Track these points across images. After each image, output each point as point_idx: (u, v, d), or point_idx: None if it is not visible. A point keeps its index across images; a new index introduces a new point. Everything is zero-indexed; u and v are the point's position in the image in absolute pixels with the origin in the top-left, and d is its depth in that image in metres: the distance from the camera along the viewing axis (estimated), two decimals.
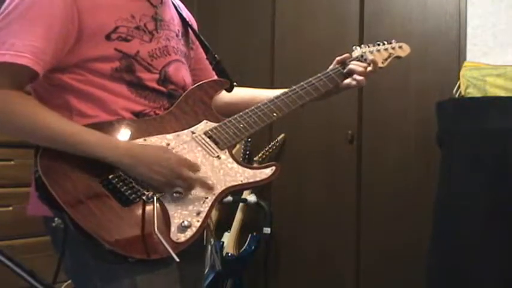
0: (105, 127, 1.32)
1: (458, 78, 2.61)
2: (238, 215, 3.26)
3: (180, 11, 1.61)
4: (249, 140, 3.27)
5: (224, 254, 3.19)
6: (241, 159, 3.27)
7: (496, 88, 2.48)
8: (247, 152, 3.29)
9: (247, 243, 3.26)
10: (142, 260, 1.23)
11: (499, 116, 2.33)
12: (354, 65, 1.68)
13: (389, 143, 3.02)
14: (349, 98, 3.00)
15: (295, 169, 3.26)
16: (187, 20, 1.63)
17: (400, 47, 1.89)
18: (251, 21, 3.51)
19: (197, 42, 1.65)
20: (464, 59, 2.76)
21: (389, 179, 2.99)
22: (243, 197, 3.23)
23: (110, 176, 1.27)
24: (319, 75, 1.67)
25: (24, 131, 1.28)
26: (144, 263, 1.24)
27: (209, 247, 1.60)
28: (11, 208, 2.66)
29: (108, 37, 1.35)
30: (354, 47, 1.78)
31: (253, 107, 1.53)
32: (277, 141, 3.27)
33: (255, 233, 3.28)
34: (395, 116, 2.99)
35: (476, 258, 2.29)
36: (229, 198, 3.20)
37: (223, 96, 1.65)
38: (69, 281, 1.55)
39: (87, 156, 1.26)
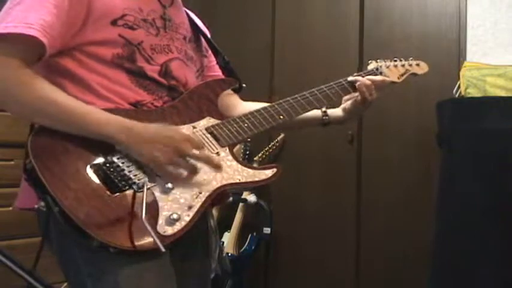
0: None
1: (458, 78, 2.61)
2: (238, 215, 3.26)
3: (193, 19, 1.61)
4: (249, 140, 3.27)
5: (224, 254, 3.18)
6: (241, 159, 3.26)
7: (496, 88, 2.48)
8: (247, 152, 3.29)
9: (247, 243, 3.27)
10: (133, 252, 1.19)
11: (499, 116, 2.33)
12: (362, 78, 1.64)
13: (389, 143, 3.02)
14: None
15: (295, 169, 3.26)
16: (203, 30, 1.63)
17: (417, 65, 1.87)
18: (251, 24, 3.51)
19: (210, 51, 1.64)
20: (464, 59, 2.76)
21: (389, 179, 2.99)
22: (243, 197, 3.23)
23: (101, 162, 1.25)
24: (331, 83, 1.64)
25: (33, 105, 1.24)
26: (134, 256, 1.20)
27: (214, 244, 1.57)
28: (11, 208, 2.66)
29: (114, 22, 1.34)
30: (369, 61, 1.76)
31: (260, 108, 1.51)
32: (277, 141, 3.27)
33: (255, 233, 3.29)
34: (395, 116, 2.99)
35: (477, 258, 2.28)
36: (229, 198, 3.20)
37: (236, 107, 1.64)
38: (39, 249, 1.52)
39: (92, 136, 1.24)
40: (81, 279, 1.26)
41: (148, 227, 1.17)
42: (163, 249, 1.17)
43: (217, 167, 1.33)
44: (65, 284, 2.45)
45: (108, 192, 1.22)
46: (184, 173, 1.29)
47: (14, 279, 2.00)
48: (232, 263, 3.19)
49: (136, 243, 1.19)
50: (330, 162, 3.17)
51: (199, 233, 1.48)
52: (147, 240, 1.19)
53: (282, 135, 3.29)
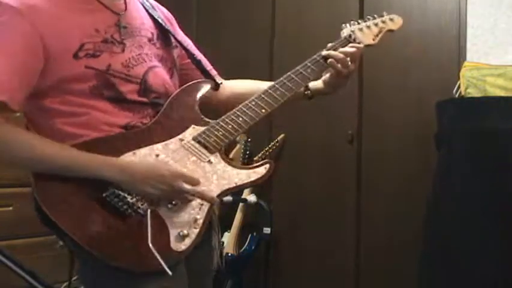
0: (94, 144, 1.33)
1: (458, 78, 2.61)
2: (238, 215, 3.26)
3: (153, 13, 1.57)
4: (249, 140, 3.27)
5: (224, 254, 3.18)
6: (241, 159, 3.27)
7: (496, 88, 2.48)
8: (247, 152, 3.29)
9: (247, 243, 3.26)
10: (152, 273, 1.25)
11: (499, 116, 2.33)
12: (334, 53, 1.59)
13: (389, 143, 3.01)
14: (349, 98, 3.00)
15: (295, 169, 3.26)
16: (163, 20, 1.59)
17: (391, 20, 1.83)
18: (251, 17, 3.50)
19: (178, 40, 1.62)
20: (464, 59, 2.76)
21: (389, 179, 2.99)
22: (243, 197, 3.23)
23: (104, 194, 1.28)
24: (306, 62, 1.60)
25: (22, 159, 1.31)
26: (153, 276, 1.26)
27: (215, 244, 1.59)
28: (11, 208, 2.67)
29: (75, 56, 1.34)
30: (342, 25, 1.71)
31: (240, 106, 1.49)
32: (277, 141, 3.27)
33: (255, 233, 3.28)
34: (395, 116, 2.99)
35: (476, 258, 2.28)
36: (229, 198, 3.20)
37: (224, 91, 1.64)
38: (68, 282, 1.55)
39: (85, 177, 1.28)
40: None
41: (154, 251, 1.24)
42: (170, 273, 1.24)
43: (211, 200, 1.36)
44: (65, 284, 2.45)
45: (116, 221, 1.28)
46: (184, 198, 1.33)
47: (14, 279, 2.00)
48: (232, 263, 3.18)
49: (145, 265, 1.26)
50: (330, 162, 3.17)
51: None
52: (156, 262, 1.25)
53: (282, 135, 3.29)
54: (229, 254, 3.20)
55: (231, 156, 3.25)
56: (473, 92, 2.52)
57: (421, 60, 2.88)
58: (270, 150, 3.25)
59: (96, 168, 1.28)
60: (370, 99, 3.06)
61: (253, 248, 3.25)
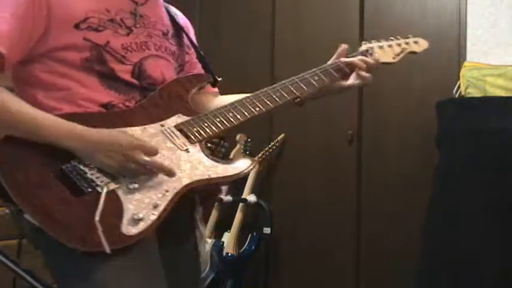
0: (69, 119, 1.28)
1: (458, 78, 2.61)
2: (238, 215, 3.26)
3: (175, 18, 1.58)
4: (249, 140, 3.27)
5: (224, 254, 3.19)
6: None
7: (496, 88, 2.48)
8: (247, 152, 3.29)
9: (247, 243, 3.26)
10: (105, 252, 1.18)
11: (499, 116, 2.33)
12: (353, 59, 1.59)
13: (389, 143, 3.02)
14: (349, 98, 3.00)
15: (295, 169, 3.26)
16: (183, 26, 1.59)
17: (415, 42, 1.79)
18: (252, 18, 3.51)
19: (192, 48, 1.61)
20: (464, 59, 2.76)
21: (389, 179, 2.99)
22: (243, 197, 3.23)
23: (64, 166, 1.24)
24: (314, 69, 1.57)
25: None
26: (112, 256, 1.19)
27: (207, 246, 1.56)
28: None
29: (76, 26, 1.34)
30: (362, 42, 1.70)
31: (234, 101, 1.46)
32: (277, 141, 3.27)
33: (255, 233, 3.28)
34: (396, 116, 2.99)
35: (476, 258, 2.28)
36: (229, 198, 3.20)
37: (215, 100, 1.60)
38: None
39: (42, 142, 1.24)
40: (68, 280, 1.28)
41: (100, 229, 1.17)
42: (108, 251, 1.17)
43: (170, 174, 1.29)
44: None
45: (72, 196, 1.22)
46: (143, 171, 1.27)
47: (14, 279, 2.00)
48: (232, 263, 3.19)
49: (90, 243, 1.18)
50: (330, 162, 3.17)
51: (188, 230, 1.49)
52: (105, 240, 1.18)
53: (282, 135, 3.29)
54: (229, 254, 3.20)
55: (231, 156, 3.26)
56: (473, 92, 2.53)
57: (421, 60, 2.87)
58: (270, 150, 3.25)
59: (56, 135, 1.24)
60: (370, 99, 3.06)
61: (253, 248, 3.25)
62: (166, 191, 1.28)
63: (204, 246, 1.55)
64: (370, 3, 3.10)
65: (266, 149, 3.24)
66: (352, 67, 1.59)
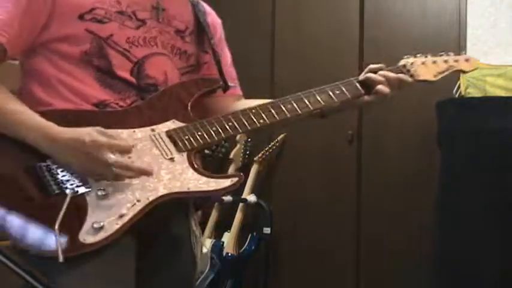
0: (54, 117, 1.23)
1: (458, 78, 2.61)
2: (238, 215, 3.26)
3: (199, 13, 1.48)
4: (249, 140, 3.27)
5: (224, 254, 3.18)
6: (241, 159, 3.27)
7: (496, 88, 2.49)
8: (247, 152, 3.29)
9: (247, 243, 3.26)
10: (69, 258, 1.13)
11: (498, 116, 2.33)
12: (370, 74, 1.46)
13: (389, 143, 3.02)
14: None
15: (295, 169, 3.26)
16: (208, 24, 1.49)
17: (466, 60, 1.61)
18: (252, 18, 3.51)
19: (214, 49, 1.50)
20: None
21: (389, 179, 2.99)
22: (243, 197, 3.22)
23: (36, 164, 1.20)
24: (337, 82, 1.44)
25: None
26: (73, 261, 1.13)
27: (204, 248, 1.48)
28: None
29: (81, 17, 1.28)
30: (404, 56, 1.56)
31: (238, 110, 1.37)
32: (277, 141, 3.27)
33: (255, 233, 3.28)
34: (395, 116, 2.99)
35: (476, 258, 2.29)
36: (229, 198, 3.20)
37: (238, 104, 1.50)
38: None
39: (15, 137, 1.20)
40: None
41: (57, 235, 1.11)
42: (61, 259, 1.10)
43: (141, 173, 1.21)
44: None
45: (39, 196, 1.17)
46: (109, 173, 1.19)
47: (14, 279, 2.00)
48: (232, 263, 3.18)
49: (46, 248, 1.13)
50: (330, 162, 3.17)
51: (183, 233, 1.42)
52: (61, 246, 1.12)
53: (282, 135, 3.29)
54: (229, 254, 3.20)
55: (231, 156, 3.26)
56: (473, 92, 2.53)
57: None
58: (270, 150, 3.25)
59: (26, 132, 1.19)
60: None
61: (253, 248, 3.25)
62: (138, 201, 1.20)
63: (200, 250, 1.48)
64: (370, 3, 3.10)
65: (266, 149, 3.24)
66: (371, 82, 1.46)
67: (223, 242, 3.23)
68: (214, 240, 3.21)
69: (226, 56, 1.58)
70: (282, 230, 3.30)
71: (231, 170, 3.23)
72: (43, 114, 1.23)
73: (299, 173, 3.25)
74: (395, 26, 3.01)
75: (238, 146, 3.24)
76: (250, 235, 3.28)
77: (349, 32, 3.13)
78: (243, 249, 3.25)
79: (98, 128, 1.21)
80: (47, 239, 1.13)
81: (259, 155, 3.23)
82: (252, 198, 3.24)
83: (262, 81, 3.30)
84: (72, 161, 1.19)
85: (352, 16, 3.14)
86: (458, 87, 2.61)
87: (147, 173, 1.23)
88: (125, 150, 1.22)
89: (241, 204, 3.26)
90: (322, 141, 3.18)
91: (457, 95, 2.61)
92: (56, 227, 1.12)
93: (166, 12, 1.39)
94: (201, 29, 1.47)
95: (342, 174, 3.14)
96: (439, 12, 2.91)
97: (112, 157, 1.18)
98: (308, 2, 3.32)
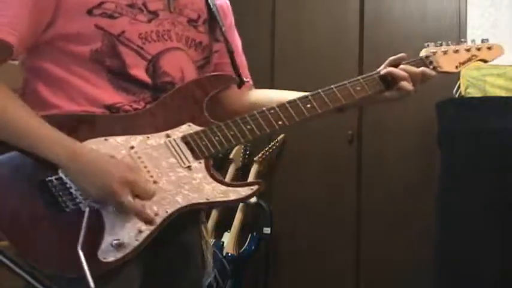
0: (63, 120, 1.17)
1: (458, 78, 2.61)
2: (238, 215, 3.26)
3: (212, 1, 1.39)
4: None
5: (224, 254, 3.19)
6: (241, 159, 3.27)
7: (496, 88, 2.48)
8: (247, 152, 3.29)
9: (247, 243, 3.26)
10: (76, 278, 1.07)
11: (498, 116, 2.33)
12: (391, 69, 1.39)
13: (389, 143, 3.02)
14: None
15: (295, 169, 3.26)
16: (218, 10, 1.40)
17: (489, 48, 1.57)
18: (252, 18, 3.50)
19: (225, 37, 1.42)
20: None
21: (389, 179, 2.99)
22: None
23: (47, 179, 1.12)
24: (358, 77, 1.38)
25: None
26: (81, 282, 1.06)
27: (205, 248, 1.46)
28: None
29: (89, 12, 1.19)
30: (425, 44, 1.51)
31: (255, 112, 1.29)
32: (277, 141, 3.27)
33: (255, 233, 3.28)
34: (395, 116, 2.99)
35: (476, 258, 2.29)
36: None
37: (249, 97, 1.45)
38: None
39: (31, 152, 1.12)
40: None
41: (82, 257, 1.06)
42: (92, 286, 1.04)
43: (164, 205, 1.17)
44: None
45: (51, 212, 1.12)
46: (118, 210, 1.13)
47: (14, 279, 1.99)
48: (232, 263, 3.18)
49: (67, 270, 1.11)
50: (330, 162, 3.17)
51: (193, 246, 1.39)
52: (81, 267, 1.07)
53: (282, 135, 3.29)
54: (229, 254, 3.20)
55: (231, 156, 3.26)
56: (473, 92, 2.53)
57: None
58: (270, 150, 3.25)
59: (44, 147, 1.12)
60: None
61: (253, 248, 3.25)
62: (156, 214, 1.16)
63: (211, 256, 1.45)
64: (370, 5, 3.10)
65: (266, 149, 3.24)
66: (394, 78, 1.41)
67: (223, 242, 3.23)
68: (214, 240, 3.21)
69: (237, 44, 1.50)
70: (282, 230, 3.30)
71: (231, 170, 3.23)
72: (49, 119, 1.16)
73: (299, 173, 3.25)
74: (395, 28, 3.01)
75: (238, 146, 3.24)
76: (250, 235, 3.28)
77: (348, 35, 3.13)
78: (243, 249, 3.25)
79: (127, 162, 1.16)
80: (68, 262, 1.09)
81: (259, 155, 3.23)
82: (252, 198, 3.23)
83: (262, 81, 3.29)
84: (88, 188, 1.12)
85: (352, 18, 3.14)
86: (458, 87, 2.60)
87: (147, 220, 1.16)
88: (145, 197, 1.15)
89: (241, 205, 3.25)
90: (322, 141, 3.18)
91: (457, 95, 2.61)
92: (79, 247, 1.07)
93: (177, 1, 1.30)
94: (213, 17, 1.38)
95: (342, 174, 3.14)
96: (439, 15, 2.91)
97: (130, 200, 1.12)
98: (308, 3, 3.31)
